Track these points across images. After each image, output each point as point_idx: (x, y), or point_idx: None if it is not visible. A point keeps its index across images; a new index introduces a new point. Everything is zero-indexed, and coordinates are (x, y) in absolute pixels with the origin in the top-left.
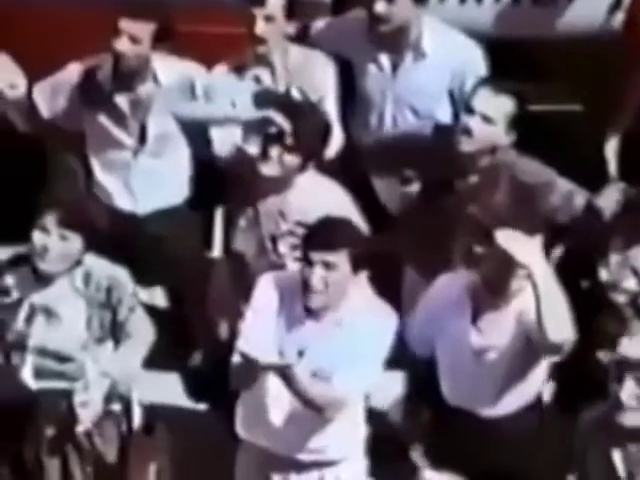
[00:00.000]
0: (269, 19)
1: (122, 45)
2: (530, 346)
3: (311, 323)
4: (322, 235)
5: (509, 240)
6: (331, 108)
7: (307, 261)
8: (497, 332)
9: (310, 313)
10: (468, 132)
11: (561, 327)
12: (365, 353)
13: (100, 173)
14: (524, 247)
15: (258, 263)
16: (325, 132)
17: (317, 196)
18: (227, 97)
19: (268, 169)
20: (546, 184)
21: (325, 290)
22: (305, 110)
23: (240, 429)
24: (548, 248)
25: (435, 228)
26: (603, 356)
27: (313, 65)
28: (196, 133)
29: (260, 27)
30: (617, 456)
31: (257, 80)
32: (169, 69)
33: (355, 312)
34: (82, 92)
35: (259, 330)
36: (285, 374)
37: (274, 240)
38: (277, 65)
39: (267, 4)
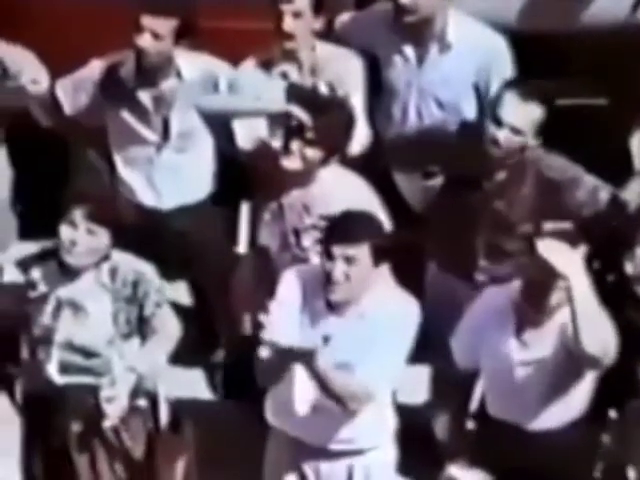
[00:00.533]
0: (297, 15)
1: (144, 41)
2: (572, 361)
3: (334, 317)
4: (343, 229)
5: (550, 250)
6: (358, 105)
7: (328, 255)
8: (540, 345)
9: (332, 307)
10: (496, 143)
11: (598, 340)
12: (389, 344)
13: (123, 169)
14: (565, 257)
15: (282, 257)
16: (349, 127)
17: (340, 190)
18: (251, 92)
19: (290, 163)
20: (572, 180)
21: (347, 283)
22: (327, 104)
23: (270, 417)
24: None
25: (459, 224)
26: None
27: (341, 61)
28: (219, 126)
29: (288, 23)
30: None
31: (284, 76)
32: (192, 65)
33: (377, 304)
34: (104, 88)
35: (283, 322)
36: (310, 364)
37: (297, 234)
38: (305, 61)
39: (295, 1)
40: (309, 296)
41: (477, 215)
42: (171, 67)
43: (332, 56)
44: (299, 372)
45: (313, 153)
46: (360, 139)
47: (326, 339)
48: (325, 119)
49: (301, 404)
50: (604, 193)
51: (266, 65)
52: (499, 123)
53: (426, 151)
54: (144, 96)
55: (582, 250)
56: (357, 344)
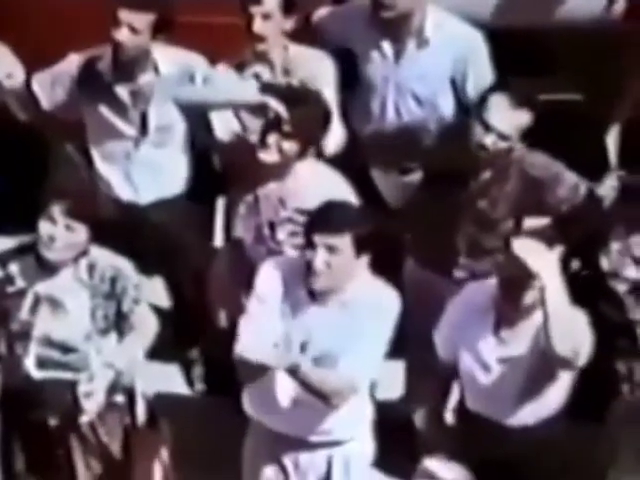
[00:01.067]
0: (267, 17)
1: (122, 35)
2: (546, 360)
3: (315, 307)
4: (326, 218)
5: (525, 249)
6: (331, 105)
7: (310, 244)
8: (516, 344)
9: (314, 297)
10: (484, 148)
11: (569, 342)
12: (371, 334)
13: (101, 164)
14: (539, 257)
15: (256, 250)
16: (325, 119)
17: (316, 184)
18: (225, 88)
19: (267, 156)
20: (555, 177)
21: (328, 272)
22: (302, 96)
23: (249, 409)
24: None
25: (439, 220)
26: None
27: (313, 62)
28: (197, 118)
29: (258, 25)
30: None
31: (257, 77)
32: (169, 59)
33: (359, 294)
34: (82, 83)
35: (264, 317)
36: (292, 374)
37: (273, 227)
38: (276, 62)
39: (264, 2)
40: (289, 286)
41: (459, 212)
42: (148, 61)
43: (304, 57)
44: (279, 372)
45: (290, 146)
46: (335, 139)
47: (303, 347)
48: (301, 111)
49: (283, 397)
50: (583, 188)
51: (239, 67)
52: (487, 128)
53: (404, 148)
54: (122, 91)
55: (558, 251)
56: (339, 334)
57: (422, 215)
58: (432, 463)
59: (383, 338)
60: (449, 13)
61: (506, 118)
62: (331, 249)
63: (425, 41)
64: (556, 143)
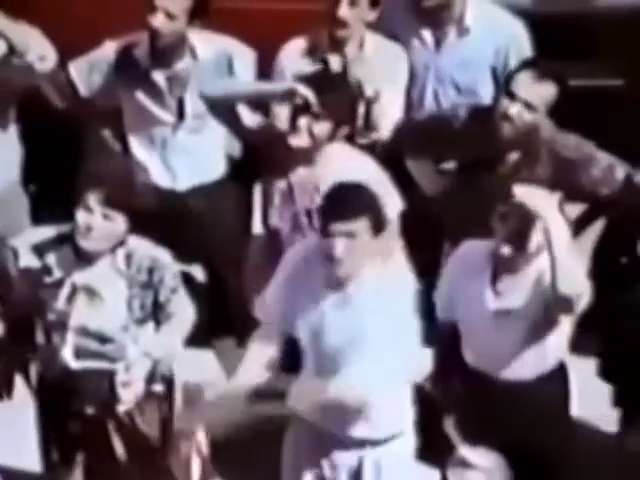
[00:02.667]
0: (354, 3)
1: (158, 21)
2: (546, 309)
3: (333, 293)
4: (339, 205)
5: (527, 193)
6: (398, 99)
7: (327, 233)
8: (515, 294)
9: (333, 282)
10: (508, 118)
11: (573, 281)
12: (391, 324)
13: (138, 150)
14: (541, 200)
15: (293, 239)
16: (354, 101)
17: (350, 168)
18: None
19: (297, 140)
20: (587, 158)
21: (349, 259)
22: (331, 80)
23: (292, 402)
24: (589, 221)
25: (474, 207)
26: None
27: (389, 58)
28: (225, 111)
29: (344, 10)
30: None
31: (324, 62)
32: (207, 44)
33: (376, 279)
34: (119, 69)
35: (278, 299)
36: None
37: (309, 214)
38: (350, 52)
39: None
40: (311, 271)
41: (493, 198)
42: (185, 47)
43: (380, 50)
44: None
45: (321, 128)
46: (387, 126)
47: (316, 336)
48: (330, 95)
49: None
50: (620, 171)
51: (310, 52)
52: (512, 97)
53: (436, 137)
54: (158, 77)
55: (558, 195)
56: (353, 324)
57: (457, 200)
58: (465, 451)
59: (403, 331)
60: (490, 1)
61: (532, 88)
62: (349, 235)
63: (466, 29)
64: (596, 128)
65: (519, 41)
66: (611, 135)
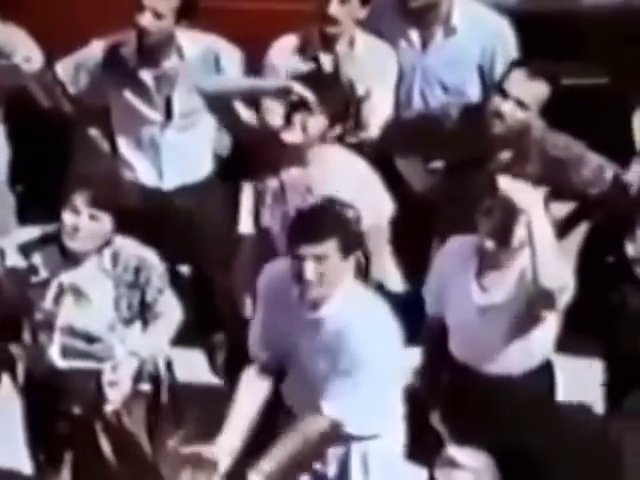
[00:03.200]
0: (344, 1)
1: (145, 20)
2: (530, 304)
3: (309, 313)
4: (306, 228)
5: (511, 186)
6: (388, 98)
7: (296, 256)
8: (500, 289)
9: (306, 306)
10: (500, 116)
11: (555, 275)
12: (365, 349)
13: (126, 149)
14: (526, 194)
15: (284, 239)
16: (348, 99)
17: (342, 170)
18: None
19: (291, 136)
20: (577, 158)
21: (320, 281)
22: (327, 79)
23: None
24: (577, 221)
25: (464, 205)
26: None
27: (378, 56)
28: (221, 106)
29: (334, 7)
30: None
31: (315, 60)
32: (194, 43)
33: (350, 300)
34: (106, 68)
35: (262, 327)
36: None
37: None
38: (340, 50)
39: None
40: (286, 292)
41: (482, 196)
42: (172, 46)
43: (370, 49)
44: None
45: (315, 122)
46: (377, 120)
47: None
48: (324, 94)
49: None
50: (609, 171)
51: (303, 47)
52: (505, 95)
53: (426, 136)
54: (146, 75)
55: (543, 190)
56: (331, 344)
57: (446, 198)
58: (453, 450)
59: (383, 356)
60: (476, 0)
61: (524, 86)
62: (319, 258)
63: (452, 29)
64: (582, 126)
65: (505, 40)
66: (598, 134)
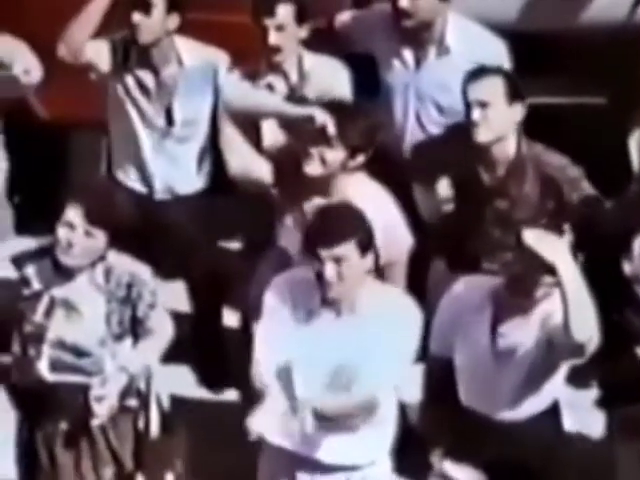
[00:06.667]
0: (280, 28)
1: (136, 17)
2: (551, 351)
3: (331, 314)
4: (326, 230)
5: (536, 239)
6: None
7: (317, 258)
8: (519, 336)
9: (328, 304)
10: (473, 123)
11: (587, 327)
12: (387, 344)
13: (121, 157)
14: (551, 246)
15: (301, 259)
16: (373, 131)
17: (362, 201)
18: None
19: (311, 169)
20: (572, 183)
21: (340, 281)
22: (350, 109)
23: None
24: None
25: (464, 224)
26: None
27: (328, 72)
28: (248, 126)
29: (273, 37)
30: None
31: (270, 88)
32: (193, 52)
33: (372, 301)
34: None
35: (274, 333)
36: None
37: None
38: (291, 72)
39: (277, 14)
40: (301, 297)
41: (481, 214)
42: (172, 52)
43: (319, 65)
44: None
45: (334, 155)
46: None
47: (318, 359)
48: (346, 127)
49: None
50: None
51: (252, 76)
52: (469, 105)
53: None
54: (148, 79)
55: (567, 239)
56: (354, 343)
57: (448, 218)
58: (446, 465)
59: (402, 349)
60: (471, 20)
61: (477, 88)
62: (338, 260)
63: (446, 49)
64: (579, 145)
65: (500, 60)
66: (593, 152)
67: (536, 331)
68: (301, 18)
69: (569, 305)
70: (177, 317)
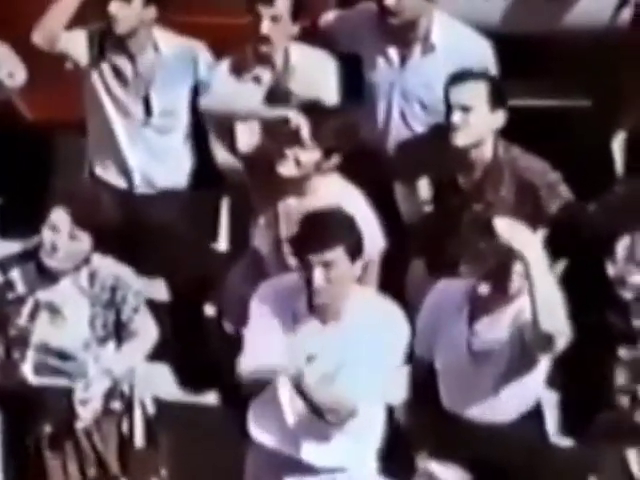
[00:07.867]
0: (275, 19)
1: (114, 8)
2: (525, 348)
3: (317, 321)
4: (316, 235)
5: (507, 227)
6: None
7: (305, 264)
8: (493, 333)
9: (315, 310)
10: (453, 126)
11: (554, 318)
12: (373, 350)
13: (99, 151)
14: (522, 235)
15: (273, 259)
16: (350, 133)
17: (335, 202)
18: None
19: (285, 170)
20: (548, 187)
21: (329, 286)
22: (326, 110)
23: (253, 430)
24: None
25: (442, 226)
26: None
27: (315, 64)
28: (222, 127)
29: (266, 26)
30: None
31: (257, 80)
32: (170, 41)
33: (360, 304)
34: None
35: (261, 343)
36: (295, 380)
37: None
38: (278, 64)
39: (275, 4)
40: (288, 305)
41: (458, 217)
42: (148, 40)
43: (306, 58)
44: (284, 386)
45: (308, 157)
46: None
47: (310, 358)
48: (321, 128)
49: (289, 417)
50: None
51: (238, 67)
52: (450, 108)
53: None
54: (126, 67)
55: (540, 233)
56: (341, 350)
57: (427, 222)
58: (431, 465)
59: (389, 359)
60: (456, 20)
61: (461, 92)
62: (327, 265)
63: (431, 47)
64: (562, 148)
65: (485, 60)
66: (576, 155)
67: (509, 328)
68: (296, 14)
69: (536, 295)
70: (157, 308)
